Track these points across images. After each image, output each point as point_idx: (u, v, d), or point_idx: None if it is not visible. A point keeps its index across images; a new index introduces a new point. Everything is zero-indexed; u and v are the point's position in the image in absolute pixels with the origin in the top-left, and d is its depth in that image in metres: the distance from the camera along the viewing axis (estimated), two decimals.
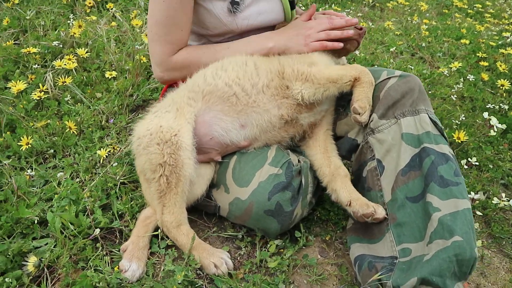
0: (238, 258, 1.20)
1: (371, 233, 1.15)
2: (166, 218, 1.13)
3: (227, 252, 1.18)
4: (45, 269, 1.07)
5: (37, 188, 1.37)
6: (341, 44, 1.29)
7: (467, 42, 3.08)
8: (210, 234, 1.27)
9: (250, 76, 1.22)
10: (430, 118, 1.17)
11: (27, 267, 1.06)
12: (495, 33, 3.48)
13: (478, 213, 1.52)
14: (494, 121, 1.66)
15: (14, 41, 2.27)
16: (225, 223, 1.31)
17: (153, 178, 1.12)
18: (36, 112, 1.69)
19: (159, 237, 1.18)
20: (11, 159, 1.47)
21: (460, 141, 1.82)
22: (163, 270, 1.08)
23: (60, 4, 2.75)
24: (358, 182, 1.27)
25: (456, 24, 3.78)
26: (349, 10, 3.78)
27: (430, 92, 2.34)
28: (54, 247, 1.14)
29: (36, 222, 1.19)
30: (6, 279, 1.01)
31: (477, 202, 1.56)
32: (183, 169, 1.11)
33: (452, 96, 2.23)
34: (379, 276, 1.00)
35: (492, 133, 1.66)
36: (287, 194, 1.13)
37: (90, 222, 1.19)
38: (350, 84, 1.20)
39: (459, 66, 2.61)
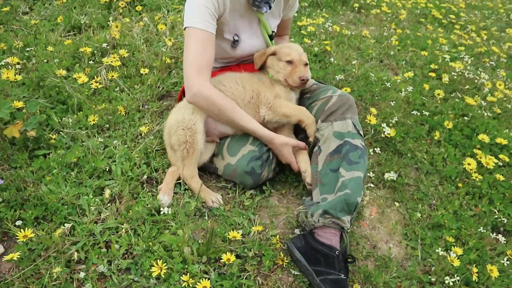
0: (227, 199, 1.99)
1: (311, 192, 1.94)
2: (185, 172, 1.90)
3: (220, 195, 1.97)
4: (115, 197, 1.85)
5: (101, 150, 2.14)
6: None
7: (426, 54, 3.78)
8: (211, 184, 2.05)
9: (240, 93, 1.96)
10: (352, 123, 1.92)
11: (105, 195, 1.84)
12: (452, 46, 4.17)
13: (388, 184, 2.30)
14: (387, 130, 2.44)
15: (67, 35, 3.00)
16: (220, 178, 2.09)
17: (179, 149, 1.89)
18: (94, 97, 2.44)
19: (181, 184, 1.96)
20: (81, 129, 2.23)
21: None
22: (183, 202, 1.86)
23: (99, 4, 3.43)
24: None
25: (427, 34, 4.46)
26: (330, 16, 4.44)
27: (382, 96, 3.07)
28: (117, 185, 1.92)
29: (106, 170, 1.96)
30: (95, 199, 1.80)
31: (390, 178, 2.33)
32: (197, 145, 1.87)
33: (392, 102, 2.96)
34: (303, 208, 1.79)
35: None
36: (258, 162, 1.91)
37: (138, 172, 1.96)
38: (295, 122, 1.96)
39: (411, 76, 3.34)
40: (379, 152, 2.53)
